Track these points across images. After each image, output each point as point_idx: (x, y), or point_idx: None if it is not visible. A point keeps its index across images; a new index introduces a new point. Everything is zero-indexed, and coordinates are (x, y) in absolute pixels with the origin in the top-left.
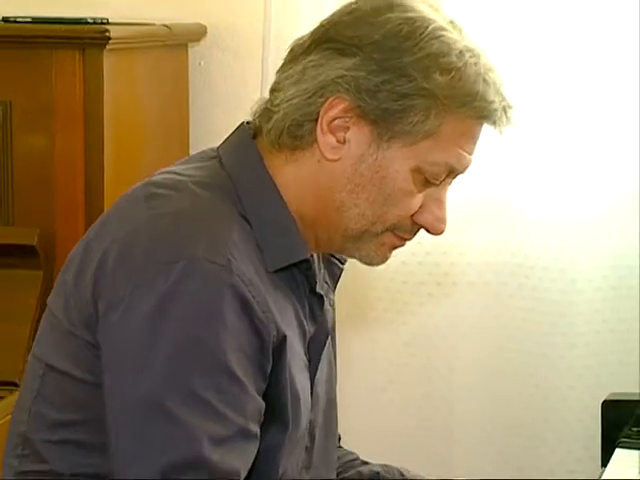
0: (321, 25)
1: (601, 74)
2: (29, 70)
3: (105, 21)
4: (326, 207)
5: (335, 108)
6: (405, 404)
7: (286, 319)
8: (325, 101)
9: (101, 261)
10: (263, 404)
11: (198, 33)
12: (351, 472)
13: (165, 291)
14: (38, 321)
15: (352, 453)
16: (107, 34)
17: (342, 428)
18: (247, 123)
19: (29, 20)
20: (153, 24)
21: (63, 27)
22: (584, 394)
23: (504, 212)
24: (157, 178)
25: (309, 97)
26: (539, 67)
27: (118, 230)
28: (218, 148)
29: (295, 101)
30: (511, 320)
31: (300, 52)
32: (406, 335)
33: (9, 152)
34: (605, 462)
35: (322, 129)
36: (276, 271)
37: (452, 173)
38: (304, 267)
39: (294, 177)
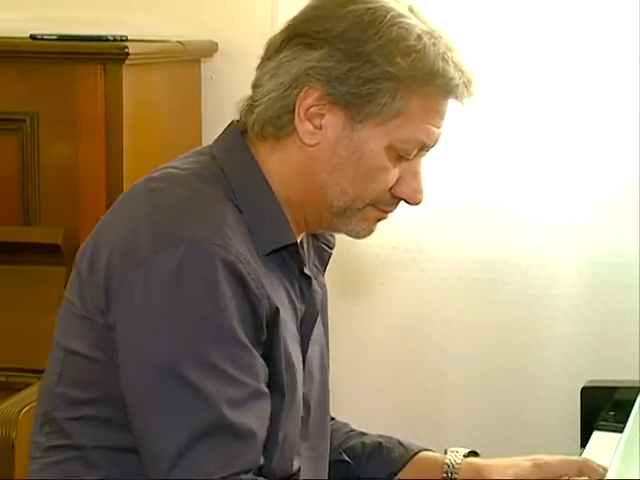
0: (290, 23)
1: (589, 81)
2: (54, 83)
3: (124, 38)
4: (311, 188)
5: (309, 97)
6: (399, 390)
7: (279, 297)
8: (300, 92)
9: (111, 252)
10: (266, 367)
11: (210, 49)
12: (353, 442)
13: (171, 274)
14: None
15: (346, 424)
16: (126, 50)
17: (338, 415)
18: (236, 122)
19: (55, 37)
20: (168, 41)
21: (86, 44)
22: (564, 381)
23: (492, 214)
24: (156, 174)
25: (285, 90)
26: (528, 74)
27: (124, 224)
28: (211, 145)
29: (273, 95)
30: (498, 313)
31: (274, 49)
32: (401, 326)
33: (36, 159)
34: (584, 444)
35: (299, 118)
36: (267, 254)
37: (424, 147)
38: (292, 250)
39: (280, 164)
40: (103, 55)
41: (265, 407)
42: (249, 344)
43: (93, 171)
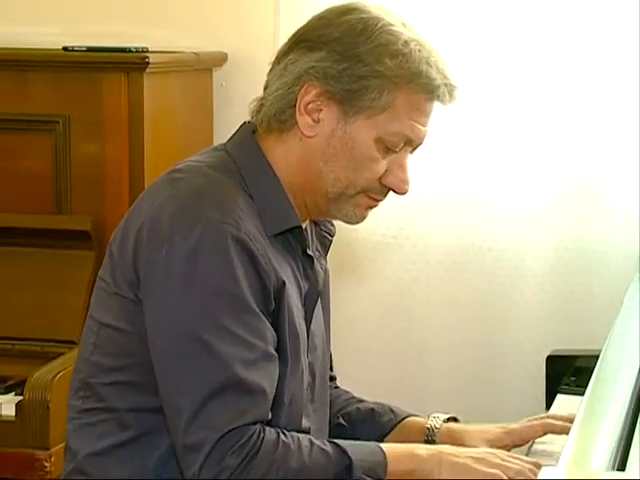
0: (296, 32)
1: (555, 77)
2: (84, 90)
3: (145, 49)
4: (309, 176)
5: (309, 94)
6: (385, 359)
7: (285, 273)
8: (300, 89)
9: (138, 234)
10: (274, 333)
11: (221, 59)
12: (350, 408)
13: (190, 250)
14: (91, 291)
15: (347, 392)
16: (147, 60)
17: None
18: (248, 123)
19: (84, 49)
20: (184, 52)
21: (111, 55)
22: (531, 350)
23: (468, 204)
24: (178, 166)
25: (289, 88)
26: (498, 75)
27: (149, 209)
28: (225, 143)
29: (279, 92)
30: (473, 291)
31: (282, 54)
32: (388, 303)
33: (68, 156)
34: (549, 405)
35: (300, 112)
36: (274, 235)
37: (410, 142)
38: (296, 232)
39: (283, 154)
40: (126, 65)
41: (273, 368)
42: (259, 312)
43: (117, 167)
